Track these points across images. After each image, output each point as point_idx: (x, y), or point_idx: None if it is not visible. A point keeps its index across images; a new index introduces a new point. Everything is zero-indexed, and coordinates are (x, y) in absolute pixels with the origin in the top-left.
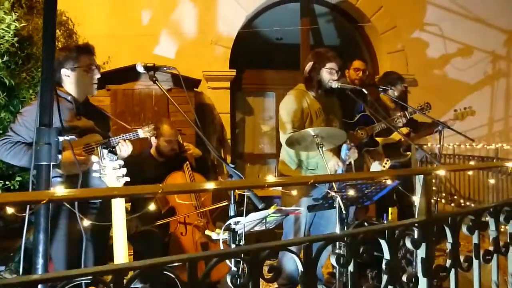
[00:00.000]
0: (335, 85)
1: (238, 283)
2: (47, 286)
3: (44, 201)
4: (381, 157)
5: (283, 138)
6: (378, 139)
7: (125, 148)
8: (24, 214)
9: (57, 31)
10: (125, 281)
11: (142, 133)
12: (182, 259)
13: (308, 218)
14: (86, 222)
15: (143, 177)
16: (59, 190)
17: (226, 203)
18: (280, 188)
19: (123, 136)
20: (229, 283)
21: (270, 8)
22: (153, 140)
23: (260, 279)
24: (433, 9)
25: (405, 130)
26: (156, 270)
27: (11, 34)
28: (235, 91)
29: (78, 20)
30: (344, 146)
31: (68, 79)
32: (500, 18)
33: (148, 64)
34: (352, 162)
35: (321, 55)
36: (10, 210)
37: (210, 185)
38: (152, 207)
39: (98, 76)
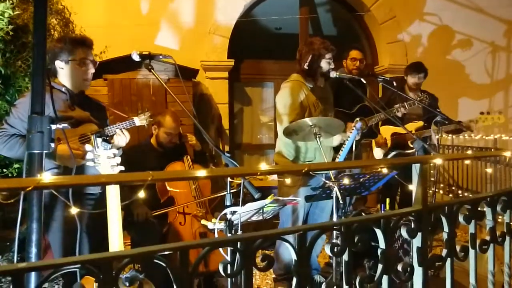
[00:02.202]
0: (333, 75)
1: (230, 272)
2: (42, 275)
3: (30, 188)
4: (385, 145)
5: (280, 129)
6: (386, 127)
7: (122, 138)
8: (9, 201)
9: (53, 20)
10: (114, 270)
11: (139, 121)
12: (174, 248)
13: (306, 208)
14: (81, 212)
15: (143, 166)
16: (46, 177)
17: (224, 193)
18: (276, 178)
19: (119, 125)
20: (221, 272)
21: None
22: (154, 128)
23: (254, 269)
24: None
25: (418, 124)
26: (147, 258)
27: (5, 22)
28: (234, 81)
29: (75, 9)
30: (358, 124)
31: (62, 71)
32: (500, 8)
33: (143, 53)
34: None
35: (318, 46)
36: None
37: (202, 173)
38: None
39: (92, 71)
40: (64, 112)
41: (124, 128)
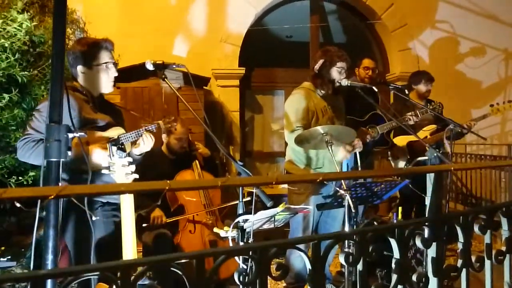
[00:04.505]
0: (345, 82)
1: (245, 280)
2: (57, 282)
3: (52, 196)
4: (404, 155)
5: (290, 136)
6: (402, 137)
7: (148, 140)
8: (31, 209)
9: (68, 29)
10: (132, 277)
11: (163, 124)
12: (190, 256)
13: (316, 216)
14: (94, 217)
15: (154, 174)
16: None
17: (236, 202)
18: (286, 186)
19: (144, 129)
20: (236, 280)
21: (279, 6)
22: (164, 137)
23: (268, 277)
24: (444, 6)
25: (431, 127)
26: (164, 266)
27: (23, 33)
28: (245, 89)
29: (89, 19)
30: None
31: (84, 76)
32: None
33: (157, 62)
34: (359, 163)
35: (332, 54)
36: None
37: (218, 182)
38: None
39: (115, 74)
40: (89, 114)
41: (150, 131)
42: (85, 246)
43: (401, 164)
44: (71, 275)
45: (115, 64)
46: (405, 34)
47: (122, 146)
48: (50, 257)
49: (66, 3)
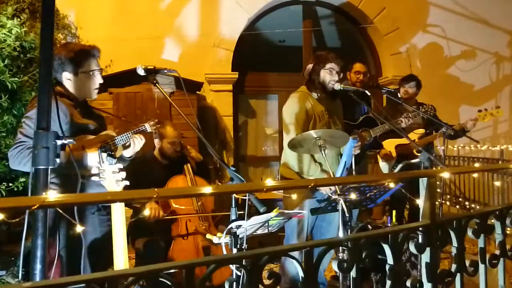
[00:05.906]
0: (337, 87)
1: None
2: None
3: (36, 207)
4: (392, 158)
5: (287, 139)
6: (389, 141)
7: (138, 141)
8: (15, 220)
9: (60, 34)
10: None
11: (149, 127)
12: (179, 266)
13: (310, 221)
14: (80, 228)
15: (147, 179)
16: (51, 195)
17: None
18: (281, 191)
19: (133, 131)
20: None
21: (272, 11)
22: (157, 142)
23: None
24: (436, 11)
25: (420, 131)
26: (153, 276)
27: (13, 39)
28: (238, 93)
29: (81, 24)
30: (351, 140)
31: (69, 82)
32: (504, 19)
33: (148, 67)
34: (353, 165)
35: (321, 57)
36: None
37: (208, 189)
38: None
39: (101, 81)
40: (80, 119)
41: (139, 131)
42: (77, 254)
43: (385, 167)
44: (56, 287)
45: (101, 71)
46: (397, 38)
47: (112, 153)
48: (38, 267)
49: (53, 10)
